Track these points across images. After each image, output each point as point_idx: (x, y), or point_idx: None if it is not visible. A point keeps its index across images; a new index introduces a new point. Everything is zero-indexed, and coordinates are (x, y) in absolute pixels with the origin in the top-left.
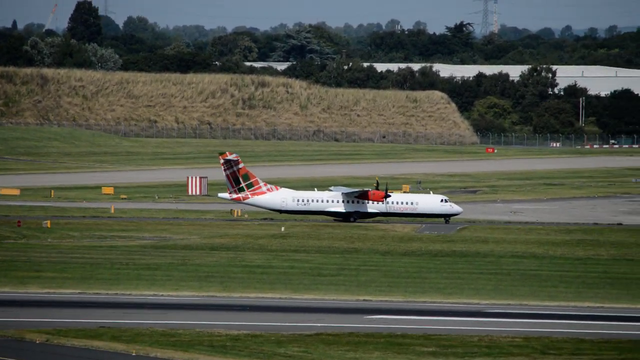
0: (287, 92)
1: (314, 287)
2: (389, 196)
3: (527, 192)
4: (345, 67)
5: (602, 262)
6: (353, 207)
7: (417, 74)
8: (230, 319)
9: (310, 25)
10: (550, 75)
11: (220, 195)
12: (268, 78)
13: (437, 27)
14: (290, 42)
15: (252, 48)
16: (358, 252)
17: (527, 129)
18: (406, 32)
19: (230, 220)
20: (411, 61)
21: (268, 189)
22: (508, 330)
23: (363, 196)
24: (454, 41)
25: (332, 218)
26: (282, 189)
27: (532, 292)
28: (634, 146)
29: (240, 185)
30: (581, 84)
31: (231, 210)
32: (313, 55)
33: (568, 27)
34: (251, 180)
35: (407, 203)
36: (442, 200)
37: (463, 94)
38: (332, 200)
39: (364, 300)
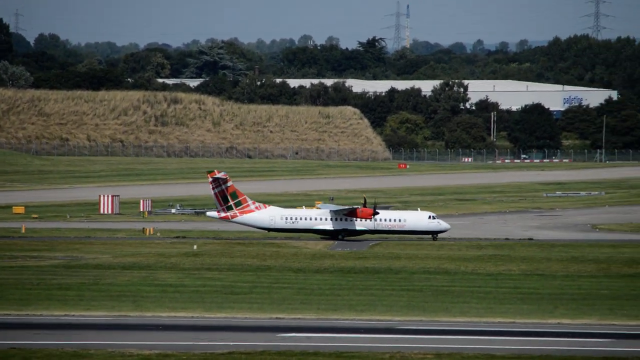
0: (200, 108)
1: (226, 306)
2: (377, 213)
3: (438, 207)
4: (258, 83)
5: (514, 277)
6: (341, 225)
7: (329, 90)
8: (142, 338)
9: (222, 42)
10: (462, 90)
11: (209, 214)
12: (180, 95)
13: (349, 42)
14: (202, 58)
15: (164, 64)
16: (271, 269)
17: (439, 144)
18: (319, 48)
19: (142, 239)
20: (324, 77)
21: (256, 207)
22: (420, 347)
23: (352, 214)
24: (367, 56)
25: (320, 236)
26: (271, 207)
27: (443, 308)
28: (544, 161)
29: (229, 204)
30: (492, 98)
31: (143, 228)
32: (226, 71)
33: (480, 42)
34: (239, 199)
35: (395, 220)
36: (429, 217)
37: (375, 110)
38: (321, 217)
39: (276, 318)
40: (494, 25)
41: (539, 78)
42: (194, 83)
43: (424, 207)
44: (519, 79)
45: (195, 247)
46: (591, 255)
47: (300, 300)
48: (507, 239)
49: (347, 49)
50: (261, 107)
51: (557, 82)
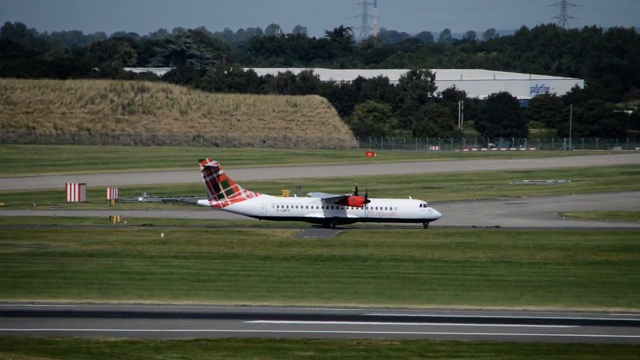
0: (167, 97)
1: (193, 293)
2: (369, 202)
3: (406, 195)
4: (226, 72)
5: (480, 265)
6: (333, 213)
7: (297, 79)
8: (109, 325)
9: (189, 30)
10: (429, 79)
11: (200, 202)
12: (148, 83)
13: (316, 31)
14: (169, 47)
15: (131, 53)
16: (238, 257)
17: (406, 133)
18: (286, 37)
19: (109, 227)
20: (291, 65)
21: (248, 196)
22: (387, 333)
23: (343, 202)
24: (334, 45)
25: (311, 224)
26: (262, 195)
27: (411, 295)
28: (511, 149)
29: (220, 192)
30: (460, 87)
31: (110, 216)
32: (193, 60)
33: (447, 31)
34: (231, 187)
35: (386, 208)
36: (421, 205)
37: (343, 98)
38: (312, 206)
39: (243, 305)
40: (461, 14)
41: (506, 67)
42: (161, 72)
43: (391, 196)
44: (486, 68)
45: (162, 235)
46: (557, 242)
47: (267, 287)
48: (474, 226)
49: (314, 38)
50: (228, 96)
51: (524, 71)
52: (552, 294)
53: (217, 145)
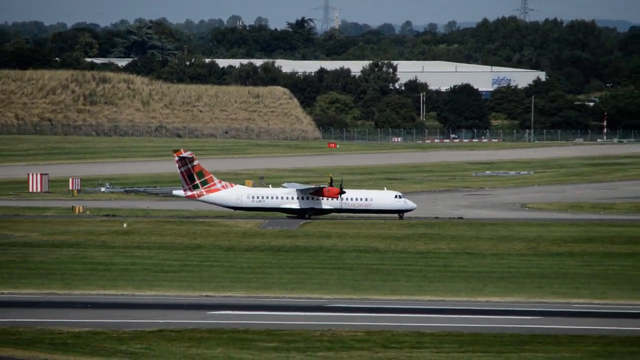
0: (129, 88)
1: (156, 284)
2: (344, 192)
3: (368, 187)
4: (187, 63)
5: (443, 256)
6: (308, 204)
7: (259, 70)
8: (72, 316)
9: (151, 21)
10: (391, 70)
11: (175, 192)
12: (109, 74)
13: (278, 22)
14: (131, 38)
15: (92, 44)
16: (201, 248)
17: (368, 124)
18: (248, 28)
19: (71, 217)
20: (253, 57)
21: (223, 186)
22: (350, 324)
23: (318, 193)
24: (296, 37)
25: (286, 215)
26: (237, 185)
27: (374, 286)
28: (473, 140)
29: (195, 183)
30: (422, 79)
31: (72, 207)
32: (154, 51)
33: (408, 23)
34: (206, 178)
35: (361, 199)
36: (396, 196)
37: (305, 90)
38: (287, 197)
39: (206, 296)
40: (422, 6)
41: (468, 59)
42: (122, 63)
43: (354, 187)
44: (447, 60)
45: (125, 225)
46: (520, 234)
47: (230, 278)
48: (437, 217)
49: (276, 29)
50: (190, 87)
51: (485, 63)
52: (514, 285)
53: (179, 136)
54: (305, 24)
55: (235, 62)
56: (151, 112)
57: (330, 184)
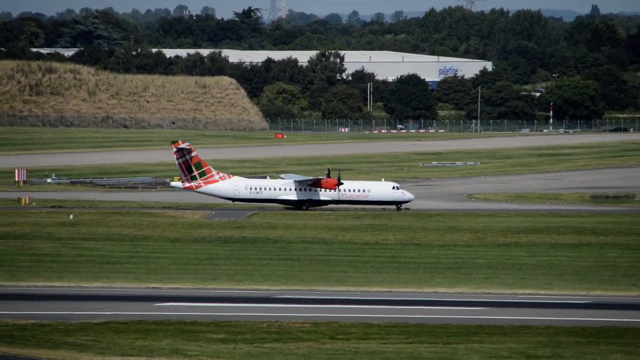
0: (75, 78)
1: (102, 275)
2: (342, 184)
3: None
4: (134, 53)
5: (390, 247)
6: (306, 195)
7: (206, 60)
8: (18, 308)
9: (97, 11)
10: (338, 60)
11: (173, 184)
12: (55, 64)
13: (225, 12)
14: (77, 28)
15: (38, 34)
16: (148, 239)
17: (316, 115)
18: (194, 18)
19: (17, 209)
20: (200, 47)
21: (221, 177)
22: (297, 315)
23: (316, 184)
24: (243, 27)
25: (284, 206)
26: (235, 177)
27: (321, 278)
28: (420, 131)
29: (193, 174)
30: (369, 69)
31: (18, 198)
32: (101, 41)
33: (355, 13)
34: (204, 169)
35: (359, 190)
36: (394, 188)
37: (252, 80)
38: (285, 188)
39: (153, 287)
40: None
41: (415, 49)
42: (68, 53)
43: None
44: (394, 50)
45: (71, 216)
46: (467, 224)
47: (177, 269)
48: (384, 208)
49: (222, 19)
50: (137, 77)
51: (432, 53)
52: (461, 276)
53: (126, 126)
54: (252, 14)
55: (182, 52)
56: (97, 102)
57: (328, 175)
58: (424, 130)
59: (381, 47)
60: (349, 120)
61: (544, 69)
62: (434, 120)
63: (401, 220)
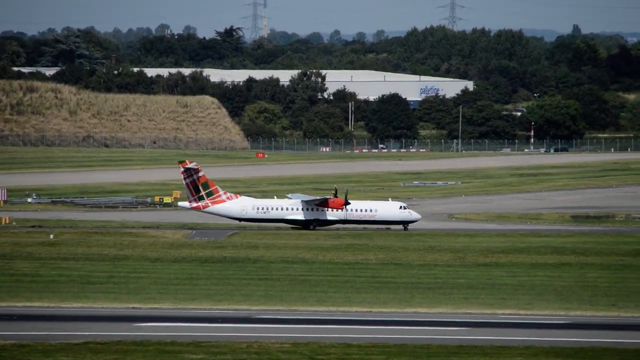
0: (56, 97)
1: (82, 296)
2: (349, 204)
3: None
4: (115, 72)
5: (371, 267)
6: (313, 215)
7: (187, 79)
8: None
9: (78, 30)
10: (319, 80)
11: (181, 204)
12: (36, 83)
13: (206, 31)
14: (58, 47)
15: (19, 53)
16: (128, 259)
17: (297, 134)
18: (176, 37)
19: None
20: (181, 66)
21: (228, 197)
22: (277, 336)
23: (323, 204)
24: (224, 46)
25: (291, 226)
26: (242, 197)
27: (301, 298)
28: (402, 150)
29: (200, 194)
30: (350, 88)
31: None
32: (82, 60)
33: (337, 32)
34: (211, 189)
35: (366, 210)
36: (400, 207)
37: (234, 99)
38: (292, 208)
39: (133, 307)
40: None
41: (396, 68)
42: (50, 72)
43: (282, 197)
44: (376, 69)
45: (51, 236)
46: (447, 244)
47: (157, 289)
48: (365, 228)
49: (204, 38)
50: (118, 96)
51: (414, 72)
52: (442, 296)
53: (107, 145)
54: (234, 33)
55: (164, 71)
56: (79, 121)
57: (335, 195)
58: (405, 150)
59: (363, 67)
60: (330, 139)
61: (525, 88)
62: (415, 140)
63: (382, 240)
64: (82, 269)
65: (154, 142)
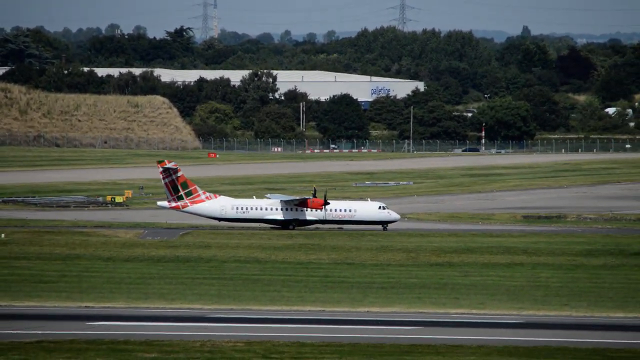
0: (6, 97)
1: (34, 295)
2: (328, 204)
3: (248, 197)
4: (65, 72)
5: (324, 267)
6: (292, 215)
7: (138, 79)
8: None
9: (28, 30)
10: (270, 80)
11: (160, 203)
12: None
13: (157, 31)
14: (7, 46)
15: None
16: (80, 258)
17: (248, 134)
18: (126, 37)
19: None
20: (132, 66)
21: (207, 197)
22: (230, 335)
23: (302, 204)
24: (175, 46)
25: (270, 226)
26: (221, 197)
27: (254, 297)
28: (353, 151)
29: (179, 194)
30: (301, 89)
31: None
32: (32, 60)
33: (287, 32)
34: (190, 189)
35: (345, 210)
36: (380, 207)
37: (185, 99)
38: (272, 208)
39: (86, 306)
40: (301, 16)
41: (347, 69)
42: None
43: (235, 197)
44: (327, 70)
45: (2, 235)
46: (400, 244)
47: (110, 289)
48: (317, 228)
49: (154, 38)
50: (69, 96)
51: (364, 73)
52: (394, 296)
53: (58, 145)
54: (185, 33)
55: (114, 71)
56: (29, 121)
57: (314, 195)
58: (356, 150)
59: (313, 67)
60: (281, 139)
61: (476, 89)
62: (367, 140)
63: (334, 240)
64: (34, 268)
65: (105, 142)
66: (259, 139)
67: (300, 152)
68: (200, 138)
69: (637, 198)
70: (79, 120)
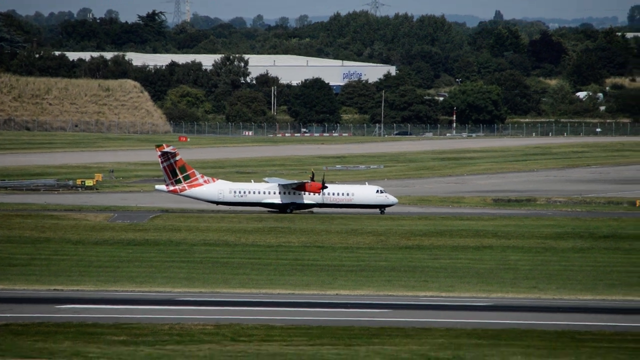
0: None
1: (3, 278)
2: (326, 187)
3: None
4: (37, 56)
5: (294, 249)
6: (290, 199)
7: (109, 63)
8: None
9: None
10: (242, 64)
11: (158, 187)
12: None
13: (129, 16)
14: None
15: None
16: (49, 241)
17: (220, 118)
18: (98, 21)
19: None
20: (103, 50)
21: (205, 181)
22: (199, 317)
23: (300, 187)
24: (146, 30)
25: (268, 209)
26: (219, 180)
27: (224, 280)
28: (324, 134)
29: (177, 177)
30: (273, 73)
31: None
32: (3, 43)
33: (259, 17)
34: (188, 172)
35: (343, 194)
36: (377, 191)
37: (156, 83)
38: (269, 191)
39: (54, 290)
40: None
41: (319, 53)
42: None
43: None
44: (299, 54)
45: None
46: (370, 227)
47: (79, 272)
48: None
49: (126, 22)
50: (40, 80)
51: (336, 57)
52: (364, 279)
53: (28, 129)
54: (156, 17)
55: (86, 55)
56: None
57: (312, 179)
58: (327, 134)
59: (285, 51)
60: (253, 123)
61: (448, 73)
62: (338, 124)
63: (304, 223)
64: (2, 251)
65: (76, 126)
66: (230, 123)
67: (271, 135)
68: (171, 122)
69: (606, 181)
70: (50, 104)
